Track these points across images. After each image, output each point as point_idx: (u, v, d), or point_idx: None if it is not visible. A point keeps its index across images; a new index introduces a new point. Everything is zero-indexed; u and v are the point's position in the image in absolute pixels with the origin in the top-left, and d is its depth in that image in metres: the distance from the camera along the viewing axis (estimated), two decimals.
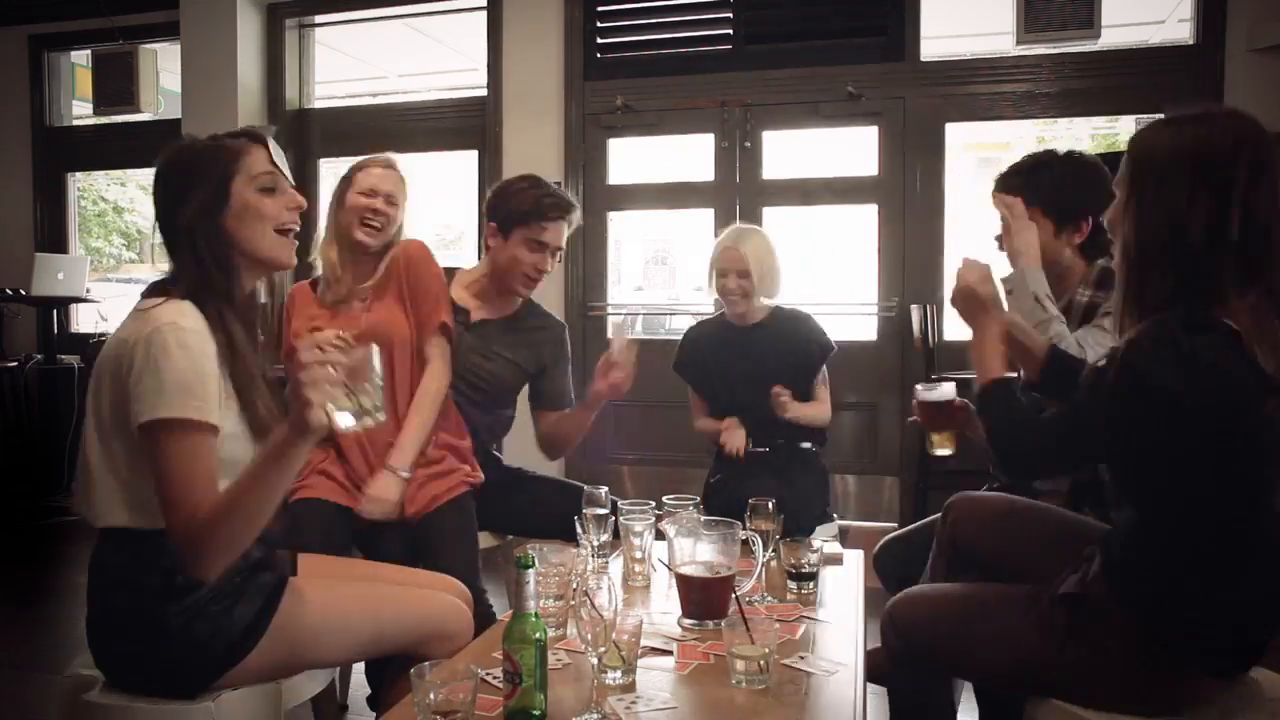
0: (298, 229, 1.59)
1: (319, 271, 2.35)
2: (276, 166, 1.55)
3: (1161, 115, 1.38)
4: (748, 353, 2.76)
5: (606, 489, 2.00)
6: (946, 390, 1.91)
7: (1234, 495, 1.31)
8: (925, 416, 1.93)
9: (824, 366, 2.81)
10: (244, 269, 1.55)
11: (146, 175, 6.10)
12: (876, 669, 1.83)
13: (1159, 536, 1.37)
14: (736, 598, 1.57)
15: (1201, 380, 1.23)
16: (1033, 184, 1.99)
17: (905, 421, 4.38)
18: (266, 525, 1.41)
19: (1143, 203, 1.31)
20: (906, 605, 1.65)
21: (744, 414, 2.75)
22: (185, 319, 1.42)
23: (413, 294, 2.25)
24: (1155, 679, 1.37)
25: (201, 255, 1.49)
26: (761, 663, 1.38)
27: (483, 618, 1.90)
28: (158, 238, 1.54)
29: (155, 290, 1.50)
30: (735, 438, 2.69)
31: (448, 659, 1.49)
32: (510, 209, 2.39)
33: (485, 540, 2.41)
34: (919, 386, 1.95)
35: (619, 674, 1.37)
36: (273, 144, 1.57)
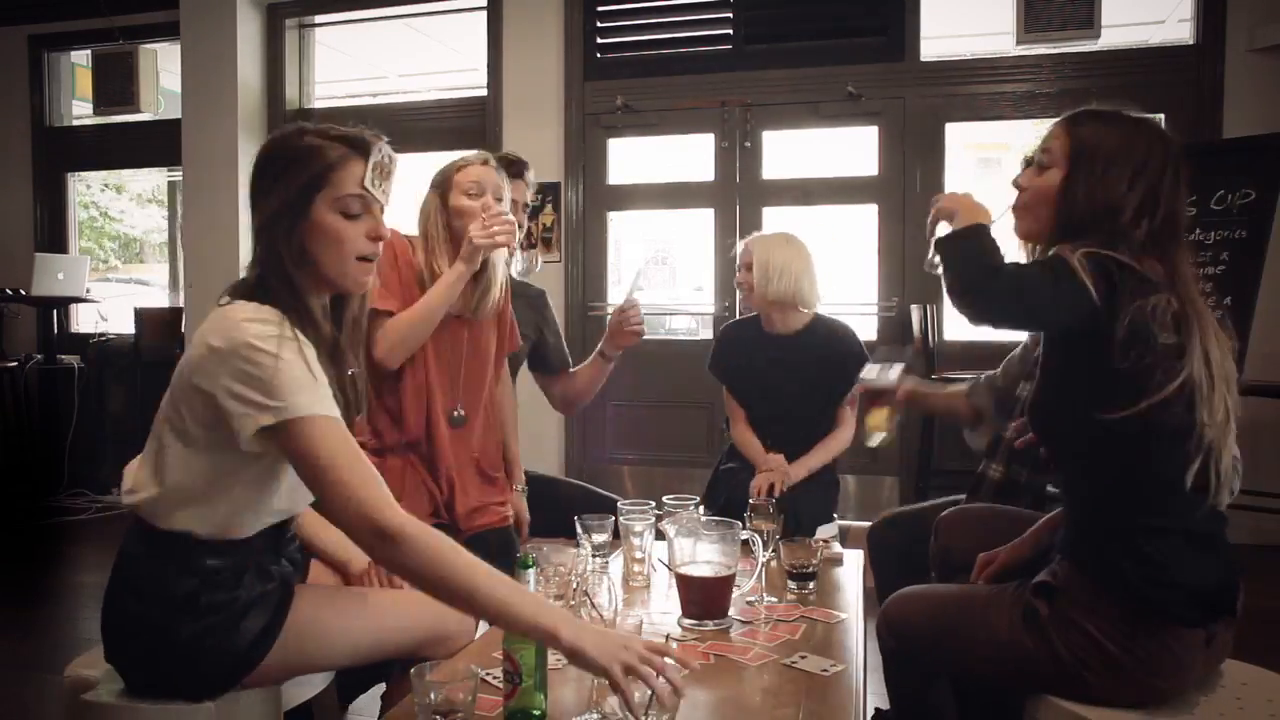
0: (378, 256, 1.46)
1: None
2: (367, 190, 1.41)
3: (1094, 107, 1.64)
4: (780, 361, 2.74)
5: (611, 519, 1.99)
6: (894, 374, 1.94)
7: (1148, 435, 1.40)
8: (866, 401, 1.96)
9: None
10: (312, 283, 1.44)
11: (141, 186, 6.14)
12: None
13: (1093, 493, 1.48)
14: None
15: (1110, 284, 1.38)
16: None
17: (905, 421, 4.39)
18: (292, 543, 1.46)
19: (1089, 181, 1.49)
20: (900, 605, 1.67)
21: (771, 423, 2.73)
22: (270, 326, 1.32)
23: (504, 314, 2.27)
24: (1137, 655, 1.39)
25: (279, 253, 1.39)
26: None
27: None
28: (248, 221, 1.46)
29: (238, 289, 1.41)
30: (764, 480, 2.58)
31: (448, 660, 1.49)
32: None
33: None
34: (867, 367, 1.99)
35: None
36: (378, 158, 1.43)
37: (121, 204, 6.42)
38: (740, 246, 2.83)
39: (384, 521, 1.24)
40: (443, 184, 2.15)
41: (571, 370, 2.60)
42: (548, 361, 2.60)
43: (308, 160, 1.39)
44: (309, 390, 1.29)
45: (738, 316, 2.95)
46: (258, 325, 1.30)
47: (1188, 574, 1.40)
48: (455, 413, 2.15)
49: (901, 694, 1.71)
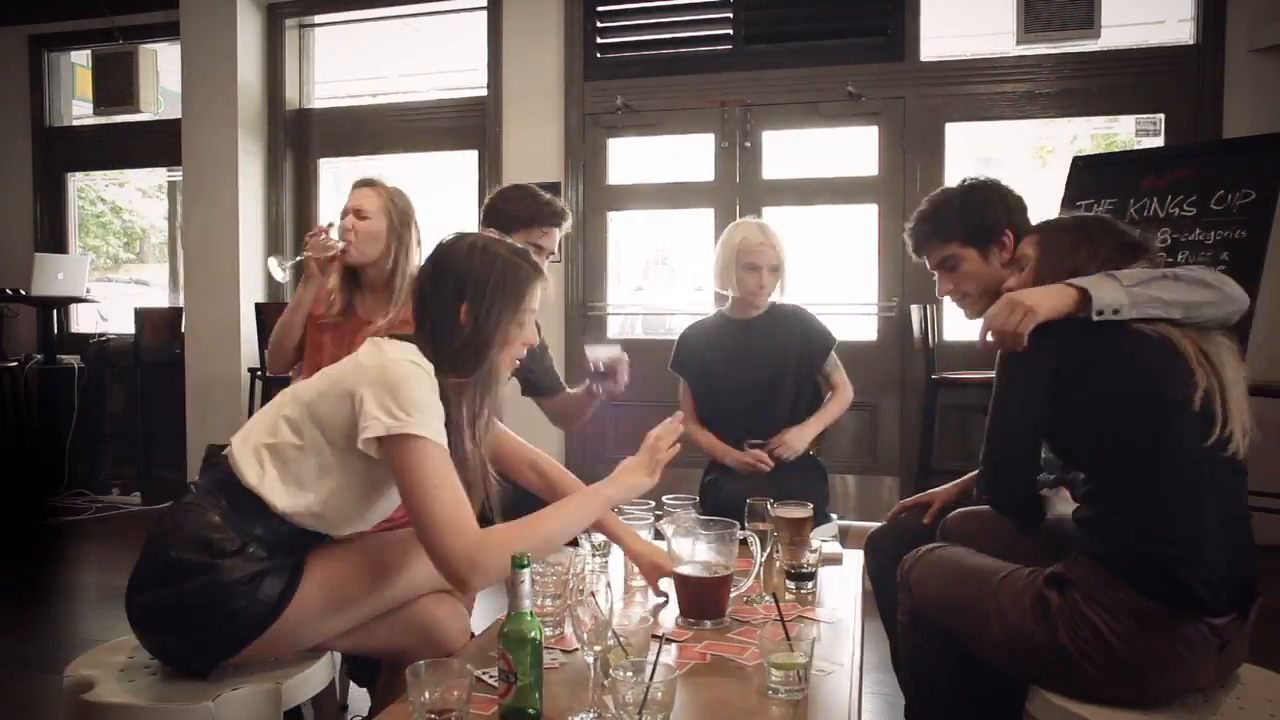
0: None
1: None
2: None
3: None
4: (748, 346, 2.71)
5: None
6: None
7: (1127, 431, 1.47)
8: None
9: (832, 354, 2.77)
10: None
11: (145, 178, 6.14)
12: None
13: (1110, 483, 1.50)
14: (777, 603, 1.56)
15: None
16: (940, 224, 2.03)
17: (905, 421, 4.39)
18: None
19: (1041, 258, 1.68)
20: (919, 569, 1.71)
21: (745, 411, 2.69)
22: (422, 360, 1.54)
23: None
24: (1141, 652, 1.39)
25: (463, 340, 1.58)
26: (799, 673, 1.36)
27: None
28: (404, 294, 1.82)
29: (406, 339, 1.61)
30: (745, 457, 2.61)
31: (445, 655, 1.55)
32: (512, 214, 2.41)
33: None
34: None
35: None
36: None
37: (128, 195, 6.43)
38: (743, 245, 2.64)
39: (455, 552, 1.42)
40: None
41: (563, 393, 2.58)
42: (535, 387, 2.58)
43: (529, 282, 1.65)
44: (433, 418, 1.48)
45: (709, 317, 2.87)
46: (408, 363, 1.51)
47: (1212, 553, 1.40)
48: None
49: (916, 658, 1.74)
